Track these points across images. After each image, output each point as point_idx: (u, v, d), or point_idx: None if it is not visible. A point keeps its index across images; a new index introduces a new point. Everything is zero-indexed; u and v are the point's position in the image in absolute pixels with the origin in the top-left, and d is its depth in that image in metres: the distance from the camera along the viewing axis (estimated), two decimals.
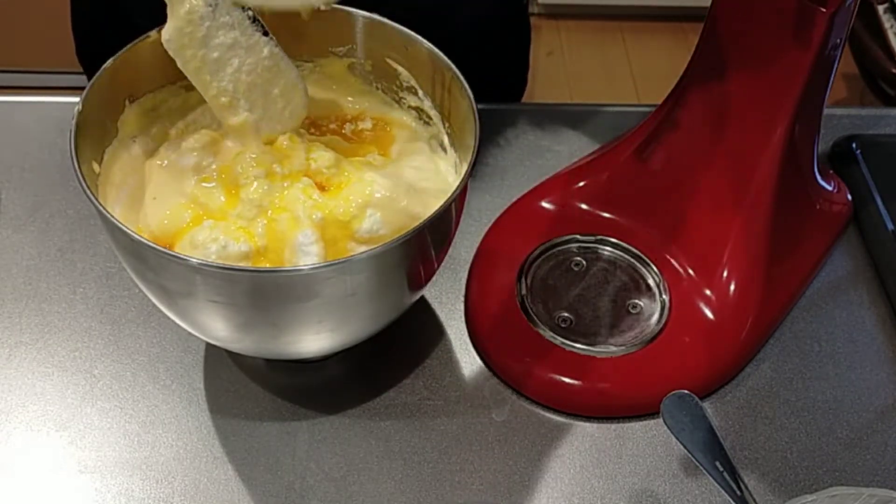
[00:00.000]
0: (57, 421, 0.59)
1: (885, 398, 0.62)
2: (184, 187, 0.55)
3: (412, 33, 0.59)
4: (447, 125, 0.61)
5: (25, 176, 0.72)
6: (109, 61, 0.55)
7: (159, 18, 0.54)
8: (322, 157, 0.56)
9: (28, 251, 0.68)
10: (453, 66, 0.57)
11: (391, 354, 0.63)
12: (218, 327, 0.53)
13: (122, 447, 0.58)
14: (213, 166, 0.56)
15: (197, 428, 0.59)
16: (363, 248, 0.54)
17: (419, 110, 0.62)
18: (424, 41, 0.58)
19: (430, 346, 0.63)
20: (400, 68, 0.61)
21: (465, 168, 0.53)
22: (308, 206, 0.54)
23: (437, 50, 0.58)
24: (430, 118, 0.62)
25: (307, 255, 0.53)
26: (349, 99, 0.64)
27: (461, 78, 0.56)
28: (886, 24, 1.48)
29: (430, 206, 0.56)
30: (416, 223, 0.51)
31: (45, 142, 0.75)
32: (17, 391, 0.60)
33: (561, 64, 2.16)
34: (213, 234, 0.52)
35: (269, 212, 0.54)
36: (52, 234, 0.69)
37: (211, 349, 0.62)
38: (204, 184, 0.55)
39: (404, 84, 0.62)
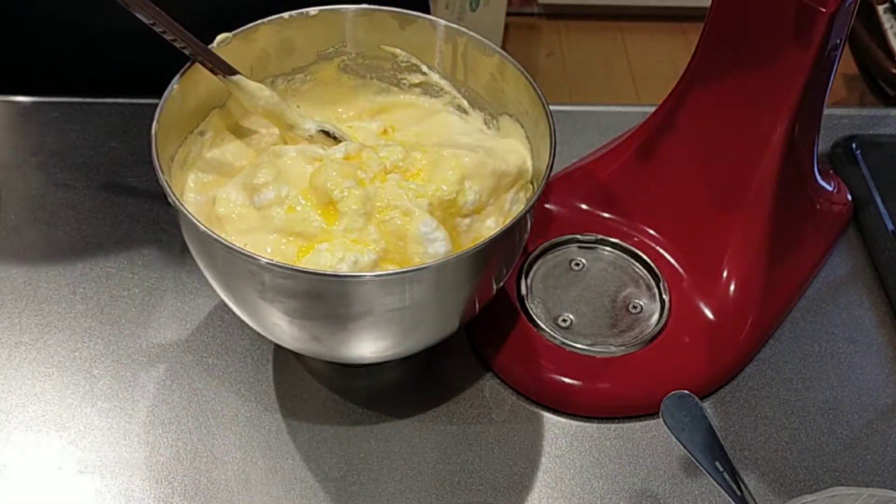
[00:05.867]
0: (57, 421, 0.59)
1: (885, 398, 0.62)
2: (272, 223, 0.54)
3: (408, 11, 0.59)
4: (464, 89, 0.61)
5: (25, 176, 0.72)
6: (154, 125, 0.52)
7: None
8: (393, 152, 0.56)
9: (28, 251, 0.68)
10: (468, 31, 0.57)
11: None
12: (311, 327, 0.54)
13: (122, 447, 0.58)
14: (293, 192, 0.54)
15: (197, 428, 0.59)
16: (468, 221, 0.55)
17: (424, 85, 0.63)
18: (424, 15, 0.59)
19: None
20: (397, 50, 0.61)
21: (548, 151, 0.54)
22: (412, 196, 0.54)
23: (441, 20, 0.58)
24: (441, 88, 0.62)
25: (434, 241, 0.53)
26: (339, 109, 0.64)
27: (480, 38, 0.57)
28: (886, 24, 1.48)
29: (510, 161, 0.57)
30: (505, 180, 0.56)
31: (45, 142, 0.75)
32: (17, 391, 0.60)
33: (561, 64, 2.16)
34: (338, 254, 0.52)
35: (376, 215, 0.53)
36: (52, 234, 0.69)
37: (211, 350, 0.63)
38: (292, 213, 0.54)
39: (402, 65, 0.62)
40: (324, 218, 0.54)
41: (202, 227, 0.48)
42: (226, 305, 0.58)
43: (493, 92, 0.60)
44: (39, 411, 0.59)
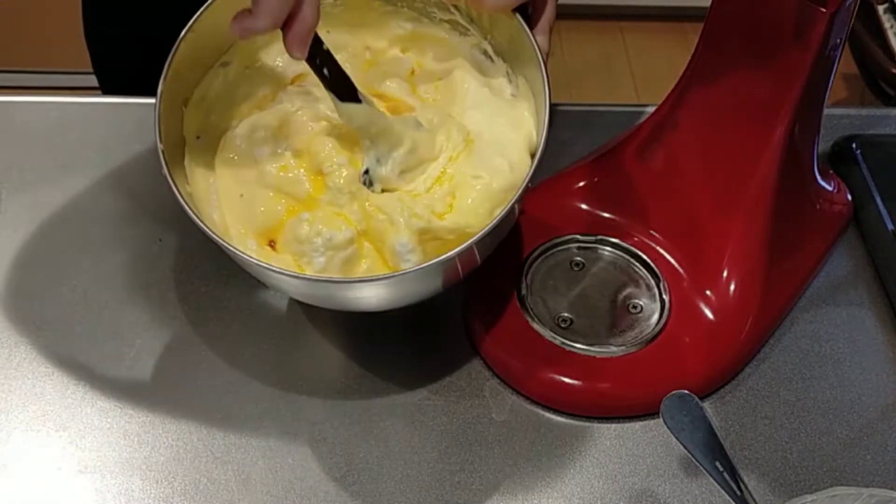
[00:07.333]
0: (57, 421, 0.59)
1: (885, 398, 0.62)
2: (266, 179, 0.54)
3: None
4: (489, 37, 0.60)
5: (25, 176, 0.72)
6: (161, 84, 0.53)
7: (176, 27, 0.53)
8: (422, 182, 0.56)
9: (28, 251, 0.67)
10: None
11: (391, 355, 0.63)
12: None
13: (122, 447, 0.58)
14: (288, 152, 0.55)
15: (197, 428, 0.59)
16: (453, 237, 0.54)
17: (452, 23, 0.61)
18: None
19: (429, 346, 0.63)
20: None
21: (535, 158, 0.53)
22: (407, 215, 0.53)
23: None
24: (467, 28, 0.61)
25: (406, 262, 0.53)
26: (369, 38, 0.62)
27: None
28: (886, 24, 1.48)
29: (515, 159, 0.55)
30: (509, 194, 0.53)
31: (45, 142, 0.75)
32: (17, 391, 0.60)
33: (561, 64, 2.15)
34: (315, 228, 0.52)
35: (366, 204, 0.53)
36: (53, 234, 0.69)
37: (211, 350, 0.62)
38: (285, 173, 0.54)
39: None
40: (313, 186, 0.54)
41: (193, 217, 0.49)
42: (226, 305, 0.58)
43: (514, 49, 0.59)
44: (39, 411, 0.59)
